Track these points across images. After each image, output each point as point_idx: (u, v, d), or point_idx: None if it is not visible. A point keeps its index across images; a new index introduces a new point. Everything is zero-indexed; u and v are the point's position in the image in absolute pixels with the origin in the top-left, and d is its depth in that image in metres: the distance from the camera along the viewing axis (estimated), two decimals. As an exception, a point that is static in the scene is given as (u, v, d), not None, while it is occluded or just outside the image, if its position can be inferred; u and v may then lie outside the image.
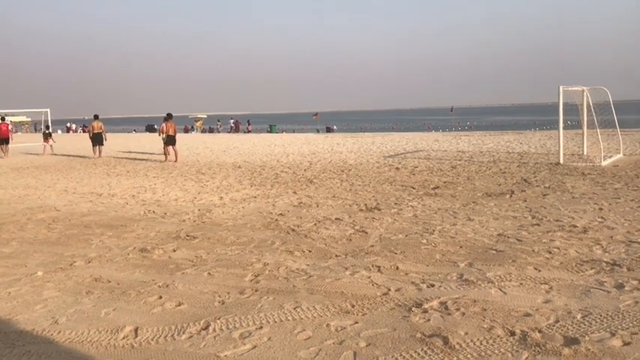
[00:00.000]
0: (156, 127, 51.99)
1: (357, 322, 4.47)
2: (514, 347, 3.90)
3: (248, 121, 60.34)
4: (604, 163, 15.37)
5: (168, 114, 21.84)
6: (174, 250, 7.13)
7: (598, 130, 16.74)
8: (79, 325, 4.65)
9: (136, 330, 4.48)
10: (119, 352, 4.08)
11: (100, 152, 23.75)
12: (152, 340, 4.28)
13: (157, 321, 4.67)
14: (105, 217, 9.63)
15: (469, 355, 3.79)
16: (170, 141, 21.01)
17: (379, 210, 9.53)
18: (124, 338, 4.33)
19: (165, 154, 21.29)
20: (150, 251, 7.11)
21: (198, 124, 64.38)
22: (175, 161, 20.51)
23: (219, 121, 66.56)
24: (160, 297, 5.30)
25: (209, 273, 6.05)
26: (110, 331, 4.48)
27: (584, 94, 17.89)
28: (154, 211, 10.09)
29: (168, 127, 21.18)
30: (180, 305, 5.05)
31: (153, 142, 26.40)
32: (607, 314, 4.45)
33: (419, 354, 3.85)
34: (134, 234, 8.20)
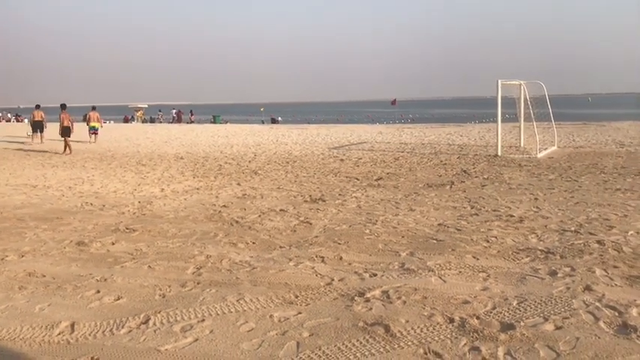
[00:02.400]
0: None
1: (300, 313, 4.47)
2: (453, 334, 4.00)
3: (191, 111, 59.30)
4: (540, 155, 15.96)
5: (62, 104, 22.29)
6: (113, 244, 6.94)
7: (534, 123, 17.35)
8: (11, 321, 4.45)
9: (72, 325, 4.33)
10: (54, 349, 3.94)
11: (41, 138, 25.25)
12: (89, 335, 4.15)
13: (95, 316, 4.54)
14: (40, 210, 9.26)
15: (409, 343, 3.86)
16: (65, 132, 20.98)
17: (324, 201, 9.56)
18: (59, 334, 4.18)
19: (67, 145, 21.03)
20: (87, 244, 6.89)
21: (138, 114, 62.75)
22: (69, 153, 20.33)
23: (160, 111, 65.13)
24: (98, 291, 5.14)
25: (149, 266, 5.91)
26: (45, 327, 4.31)
27: (522, 88, 18.48)
28: (91, 204, 9.78)
29: (63, 118, 21.27)
30: (119, 299, 4.92)
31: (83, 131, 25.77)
32: (541, 300, 4.62)
33: (361, 342, 3.89)
34: (71, 227, 7.92)
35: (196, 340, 4.02)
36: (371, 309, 4.52)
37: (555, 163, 14.18)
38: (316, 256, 6.14)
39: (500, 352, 3.69)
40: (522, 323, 4.14)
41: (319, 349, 3.80)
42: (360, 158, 16.74)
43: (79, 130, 25.53)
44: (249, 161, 16.58)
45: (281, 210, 8.85)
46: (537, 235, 6.83)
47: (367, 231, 7.29)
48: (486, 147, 19.40)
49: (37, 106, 26.20)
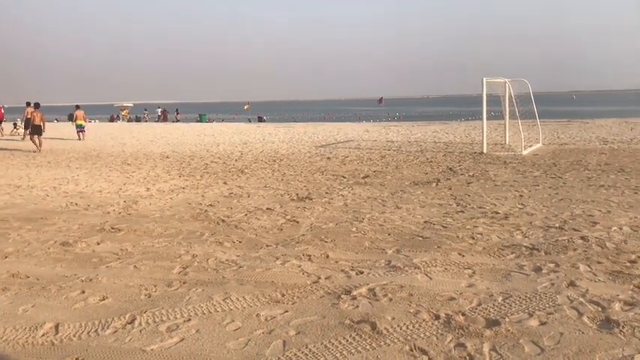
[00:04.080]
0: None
1: (287, 311, 4.47)
2: (439, 330, 4.02)
3: (176, 110, 58.98)
4: (524, 152, 16.08)
5: (35, 103, 22.33)
6: (98, 243, 6.89)
7: (519, 120, 17.47)
8: (-6, 323, 4.41)
9: (56, 326, 4.29)
10: (38, 350, 3.90)
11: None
12: (74, 336, 4.12)
13: (80, 316, 4.50)
14: (23, 210, 9.16)
15: (396, 340, 3.88)
16: (36, 130, 21.10)
17: (310, 199, 9.56)
18: (43, 335, 4.14)
19: (34, 143, 21.17)
20: (72, 245, 6.83)
21: (124, 113, 62.35)
22: (39, 151, 20.58)
23: (146, 109, 64.75)
24: (83, 291, 5.10)
25: (135, 266, 5.88)
26: (28, 329, 4.27)
27: (507, 85, 18.60)
28: (76, 203, 9.70)
29: (34, 116, 21.35)
30: (104, 299, 4.89)
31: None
32: (525, 296, 4.66)
33: (347, 340, 3.90)
34: (55, 227, 7.85)
35: (182, 339, 4.00)
36: (357, 307, 4.53)
37: (540, 160, 14.29)
38: (303, 255, 6.14)
39: (486, 348, 3.72)
40: (507, 319, 4.18)
41: (306, 348, 3.80)
42: (347, 156, 16.76)
43: (66, 128, 25.36)
44: (236, 160, 16.53)
45: (268, 208, 8.84)
46: (522, 232, 6.88)
47: (354, 229, 7.31)
48: (472, 144, 19.51)
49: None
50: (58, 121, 61.77)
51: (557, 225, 7.18)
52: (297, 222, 7.82)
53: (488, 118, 17.83)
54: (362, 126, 34.88)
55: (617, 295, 4.61)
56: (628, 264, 5.46)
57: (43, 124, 21.63)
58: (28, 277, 5.60)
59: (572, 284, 4.91)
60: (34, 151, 20.40)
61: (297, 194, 10.13)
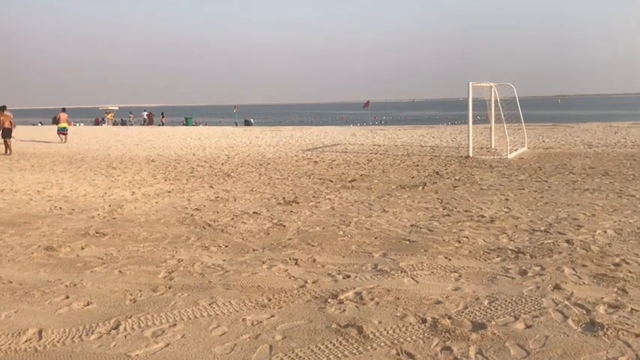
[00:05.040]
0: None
1: (273, 316, 4.45)
2: (425, 334, 4.03)
3: (162, 113, 58.66)
4: (510, 156, 16.19)
5: (1, 106, 22.44)
6: (83, 248, 6.82)
7: (505, 124, 17.60)
8: (-24, 329, 4.34)
9: (40, 332, 4.24)
10: (21, 356, 3.85)
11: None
12: (58, 342, 4.06)
13: (64, 322, 4.45)
14: (7, 214, 9.05)
15: (382, 344, 3.88)
16: (6, 134, 21.20)
17: (297, 203, 9.55)
18: (26, 341, 4.08)
19: (6, 146, 21.24)
20: (56, 249, 6.76)
21: (109, 116, 61.89)
22: (9, 154, 20.72)
23: (131, 113, 64.35)
24: (67, 297, 5.05)
25: (120, 271, 5.82)
26: (11, 335, 4.21)
27: (492, 90, 18.73)
28: (60, 208, 9.60)
29: (2, 119, 21.40)
30: (88, 305, 4.83)
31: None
32: (511, 299, 4.68)
33: (334, 344, 3.89)
34: (39, 231, 7.77)
35: (168, 345, 3.97)
36: (344, 311, 4.53)
37: (525, 164, 14.39)
38: (289, 259, 6.12)
39: (472, 352, 3.72)
40: (493, 322, 4.19)
41: (292, 352, 3.79)
42: (334, 160, 16.77)
43: (51, 132, 25.13)
44: (222, 164, 16.47)
45: (254, 213, 8.81)
46: (508, 235, 6.92)
47: (341, 233, 7.30)
48: (458, 148, 19.61)
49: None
50: (42, 124, 61.22)
51: (542, 228, 7.23)
52: (284, 226, 7.80)
53: (474, 122, 17.94)
54: (349, 129, 34.93)
55: (602, 298, 4.64)
56: (612, 267, 5.51)
57: (12, 127, 21.54)
58: (11, 282, 5.52)
59: (557, 287, 4.95)
60: (7, 155, 20.41)
61: (283, 198, 10.11)
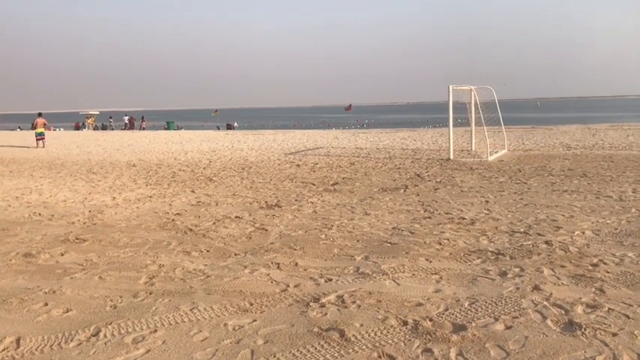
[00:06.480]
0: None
1: (255, 320, 4.44)
2: (406, 336, 4.05)
3: (142, 118, 58.22)
4: (490, 159, 16.34)
5: None
6: (62, 254, 6.74)
7: (485, 127, 17.75)
8: (-48, 338, 4.27)
9: (17, 340, 4.18)
10: (-2, 366, 3.80)
11: None
12: (36, 350, 4.01)
13: (42, 329, 4.39)
14: (-16, 221, 8.92)
15: (364, 347, 3.89)
16: None
17: (280, 207, 9.54)
18: (3, 350, 4.03)
19: None
20: (35, 256, 6.67)
21: (89, 121, 61.27)
22: None
23: (111, 117, 63.78)
24: (46, 304, 4.99)
25: (100, 277, 5.77)
26: (-12, 344, 4.15)
27: (472, 93, 18.90)
28: (40, 214, 9.49)
29: None
30: (68, 312, 4.78)
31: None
32: (491, 301, 4.73)
33: (315, 348, 3.90)
34: (17, 238, 7.66)
35: (148, 351, 3.94)
36: (326, 314, 4.53)
37: (505, 166, 14.54)
38: (272, 263, 6.11)
39: (453, 353, 3.75)
40: (474, 324, 4.23)
41: (274, 357, 3.79)
42: (316, 163, 16.79)
43: (30, 137, 24.86)
44: (204, 168, 16.40)
45: (236, 217, 8.78)
46: (488, 237, 6.98)
47: (323, 236, 7.31)
48: (439, 151, 19.74)
49: None
50: (21, 129, 60.43)
51: (522, 230, 7.31)
52: (266, 230, 7.79)
53: (454, 125, 18.08)
54: (331, 133, 34.99)
55: (580, 298, 4.71)
56: (590, 267, 5.59)
57: None
58: (-11, 290, 5.44)
59: (536, 288, 5.00)
60: None
61: (266, 202, 10.10)
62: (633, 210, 8.35)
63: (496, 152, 17.86)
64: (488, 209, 8.81)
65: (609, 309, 4.45)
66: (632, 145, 19.47)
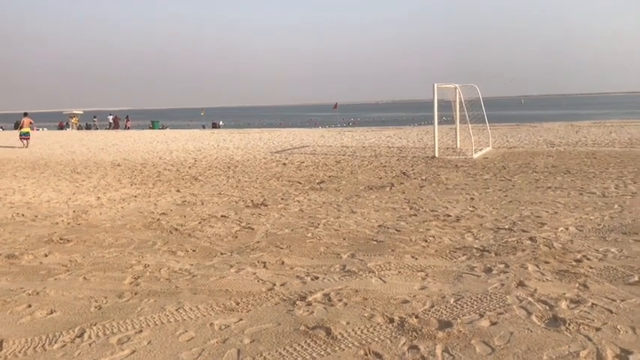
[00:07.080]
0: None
1: (241, 320, 4.43)
2: (393, 334, 4.06)
3: (127, 117, 57.79)
4: (475, 156, 16.44)
5: None
6: (46, 255, 6.67)
7: (469, 124, 17.86)
8: None
9: (0, 343, 4.13)
10: (-19, 369, 3.75)
11: None
12: (19, 352, 3.97)
13: (26, 331, 4.34)
14: (-35, 223, 8.80)
15: (350, 345, 3.90)
16: None
17: (266, 206, 9.52)
18: (-14, 353, 3.98)
19: None
20: (18, 257, 6.60)
21: (73, 120, 60.70)
22: None
23: (95, 117, 63.24)
24: (30, 305, 4.93)
25: (85, 277, 5.72)
26: (-30, 347, 4.09)
27: (457, 91, 18.99)
28: (23, 214, 9.38)
29: None
30: (52, 313, 4.73)
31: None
32: (477, 297, 4.76)
33: (302, 346, 3.89)
34: (0, 239, 7.57)
35: (134, 351, 3.91)
36: (312, 312, 4.53)
37: (490, 164, 14.64)
38: (258, 262, 6.10)
39: (438, 350, 3.77)
40: (459, 320, 4.25)
41: (260, 356, 3.78)
42: (303, 162, 16.78)
43: (12, 137, 24.59)
44: (189, 167, 16.32)
45: (222, 216, 8.75)
46: (473, 234, 7.03)
47: (309, 234, 7.31)
48: (424, 149, 19.83)
49: None
50: (3, 129, 59.73)
51: (506, 226, 7.37)
52: (252, 229, 7.77)
53: (439, 123, 18.16)
54: (317, 131, 35.01)
55: (564, 294, 4.75)
56: (574, 263, 5.64)
57: None
58: (-29, 292, 5.37)
59: (521, 284, 5.04)
60: None
61: (252, 201, 10.07)
62: (616, 206, 8.45)
63: (481, 150, 17.97)
64: (473, 206, 8.86)
65: (593, 304, 4.50)
66: (615, 141, 19.70)
